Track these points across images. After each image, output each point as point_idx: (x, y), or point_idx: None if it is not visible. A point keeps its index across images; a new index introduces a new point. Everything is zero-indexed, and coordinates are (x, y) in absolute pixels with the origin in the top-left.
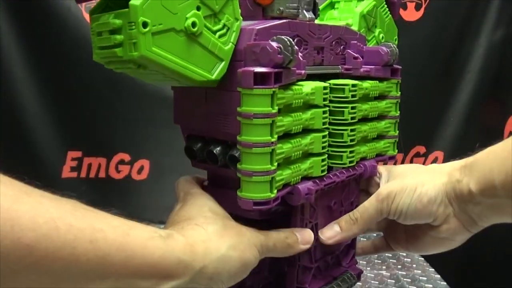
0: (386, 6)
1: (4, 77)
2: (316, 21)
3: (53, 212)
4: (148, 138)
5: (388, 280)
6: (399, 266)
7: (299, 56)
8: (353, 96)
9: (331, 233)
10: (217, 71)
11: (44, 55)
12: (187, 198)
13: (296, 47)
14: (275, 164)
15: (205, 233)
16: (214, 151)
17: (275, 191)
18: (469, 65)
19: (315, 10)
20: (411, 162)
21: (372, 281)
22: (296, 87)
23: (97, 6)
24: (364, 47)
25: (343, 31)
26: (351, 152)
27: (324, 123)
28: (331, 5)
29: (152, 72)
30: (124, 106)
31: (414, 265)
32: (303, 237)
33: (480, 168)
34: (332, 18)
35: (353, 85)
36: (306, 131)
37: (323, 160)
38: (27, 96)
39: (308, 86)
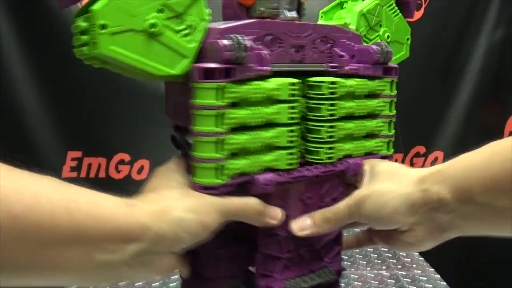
0: (394, 5)
1: (4, 77)
2: (321, 21)
3: (34, 187)
4: (148, 138)
5: (388, 280)
6: (399, 266)
7: (264, 53)
8: (332, 93)
9: (302, 225)
10: (179, 67)
11: (44, 55)
12: (159, 170)
13: (249, 44)
14: (224, 153)
15: (164, 199)
16: (189, 141)
17: (224, 178)
18: (469, 65)
19: (299, 9)
20: (411, 162)
21: (372, 281)
22: (257, 82)
23: (79, 12)
24: (356, 45)
25: (330, 30)
26: (330, 148)
27: (292, 118)
28: (341, 5)
29: (118, 67)
30: (124, 106)
31: (414, 265)
32: (272, 211)
33: (454, 175)
34: (340, 18)
35: (332, 83)
36: (271, 125)
37: (290, 154)
38: (27, 96)
39: (272, 82)
